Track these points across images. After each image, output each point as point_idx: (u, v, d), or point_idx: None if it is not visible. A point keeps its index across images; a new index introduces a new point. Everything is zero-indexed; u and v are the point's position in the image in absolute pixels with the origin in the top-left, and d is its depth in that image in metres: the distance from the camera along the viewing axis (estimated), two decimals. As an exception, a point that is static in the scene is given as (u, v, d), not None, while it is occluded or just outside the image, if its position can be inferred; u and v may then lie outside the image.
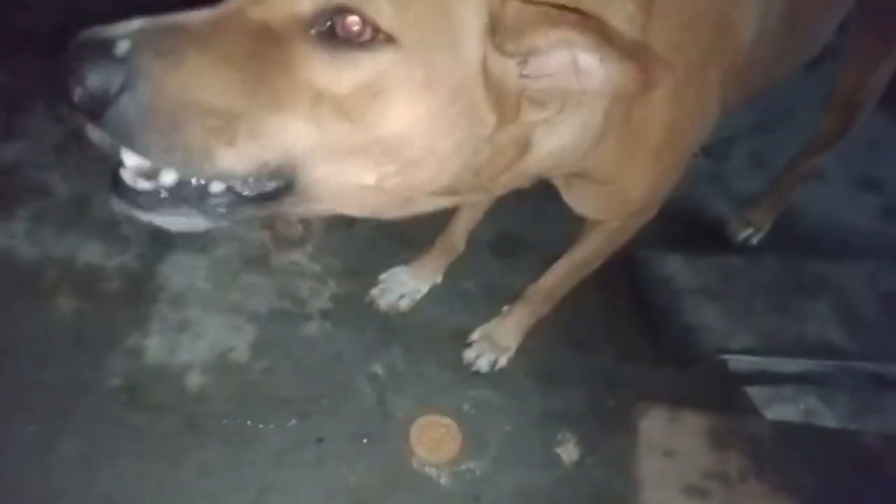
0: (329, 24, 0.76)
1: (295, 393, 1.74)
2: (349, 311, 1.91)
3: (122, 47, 0.71)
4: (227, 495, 1.58)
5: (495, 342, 1.84)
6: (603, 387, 1.85)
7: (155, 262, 1.91)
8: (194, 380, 1.73)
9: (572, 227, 1.54)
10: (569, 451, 1.73)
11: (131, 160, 0.80)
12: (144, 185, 0.80)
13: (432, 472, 1.67)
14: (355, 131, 0.79)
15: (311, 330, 1.87)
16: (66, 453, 1.57)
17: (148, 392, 1.69)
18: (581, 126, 0.99)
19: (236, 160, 0.77)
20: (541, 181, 1.26)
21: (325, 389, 1.76)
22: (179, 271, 1.91)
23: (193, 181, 0.80)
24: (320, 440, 1.68)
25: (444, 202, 1.04)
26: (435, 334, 1.90)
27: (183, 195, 0.81)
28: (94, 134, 0.76)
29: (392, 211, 0.98)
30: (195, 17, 0.77)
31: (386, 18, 0.76)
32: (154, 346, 1.76)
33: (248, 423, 1.68)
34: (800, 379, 1.68)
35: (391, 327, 1.90)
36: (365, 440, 1.70)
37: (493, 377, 1.84)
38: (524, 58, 0.82)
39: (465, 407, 1.78)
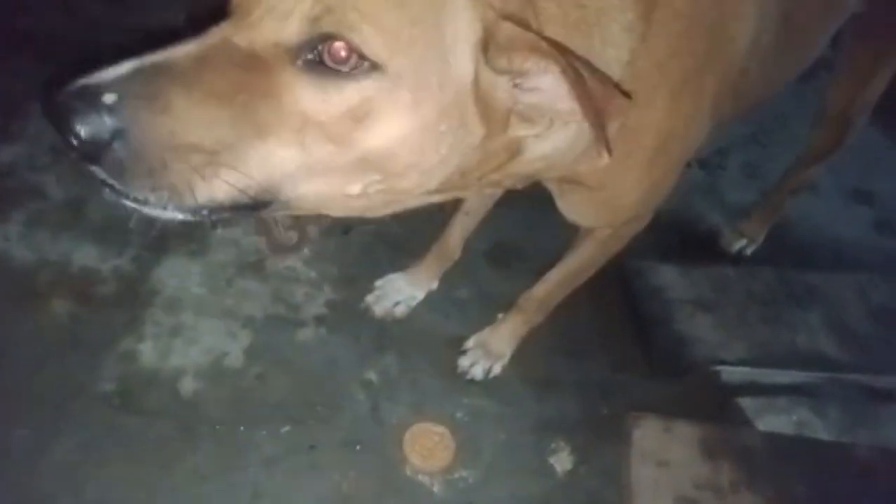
0: (316, 51, 0.77)
1: (288, 399, 1.74)
2: (344, 318, 1.91)
3: (110, 98, 0.73)
4: (219, 501, 1.57)
5: (490, 350, 1.85)
6: (596, 396, 1.86)
7: (150, 266, 1.91)
8: (188, 385, 1.72)
9: (567, 236, 1.55)
10: (562, 461, 1.73)
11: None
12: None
13: (425, 479, 1.67)
14: (340, 153, 0.81)
15: (305, 336, 1.87)
16: (58, 457, 1.56)
17: (141, 396, 1.69)
18: (575, 131, 0.99)
19: (217, 191, 0.79)
20: (534, 185, 1.27)
21: (319, 396, 1.76)
22: (174, 275, 1.90)
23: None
24: (313, 446, 1.68)
25: (433, 199, 1.05)
26: (430, 341, 1.90)
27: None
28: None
29: (378, 212, 0.99)
30: (181, 52, 0.78)
31: (371, 46, 0.76)
32: (148, 351, 1.76)
33: (242, 428, 1.67)
34: (792, 390, 1.69)
35: (386, 334, 1.90)
36: (358, 447, 1.69)
37: (488, 385, 1.84)
38: (514, 76, 0.84)
39: (459, 415, 1.78)
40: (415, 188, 0.90)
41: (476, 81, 0.83)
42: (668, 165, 1.24)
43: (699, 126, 1.23)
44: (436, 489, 1.66)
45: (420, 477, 1.67)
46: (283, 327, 1.87)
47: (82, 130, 0.73)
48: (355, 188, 0.85)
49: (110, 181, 0.77)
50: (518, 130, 0.90)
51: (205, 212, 0.82)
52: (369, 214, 0.99)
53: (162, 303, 1.85)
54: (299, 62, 0.78)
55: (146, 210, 0.82)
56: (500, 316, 1.87)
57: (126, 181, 0.77)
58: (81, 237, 1.93)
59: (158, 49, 0.78)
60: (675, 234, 2.23)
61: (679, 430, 1.47)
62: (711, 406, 1.69)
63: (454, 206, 1.83)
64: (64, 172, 2.05)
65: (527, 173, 1.08)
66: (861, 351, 1.90)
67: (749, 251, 2.26)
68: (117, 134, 0.73)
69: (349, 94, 0.78)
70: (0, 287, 1.82)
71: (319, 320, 1.90)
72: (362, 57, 0.77)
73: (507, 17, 0.82)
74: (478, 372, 1.84)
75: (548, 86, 0.83)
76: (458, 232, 1.86)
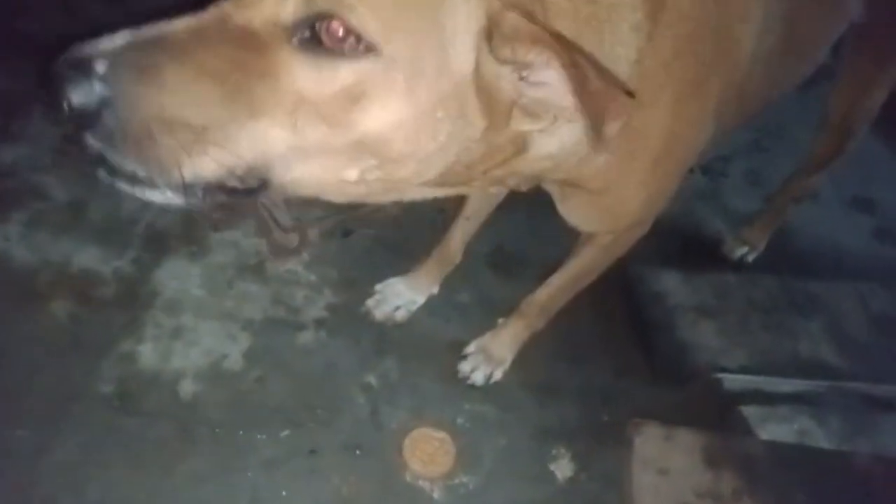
0: (312, 30, 0.77)
1: (288, 402, 1.73)
2: (344, 321, 1.91)
3: (101, 67, 0.74)
4: (218, 503, 1.56)
5: (490, 355, 1.84)
6: (598, 402, 1.86)
7: (150, 267, 1.90)
8: (187, 387, 1.72)
9: (568, 241, 1.55)
10: (563, 467, 1.73)
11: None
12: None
13: (425, 485, 1.66)
14: (334, 135, 0.80)
15: (305, 339, 1.86)
16: (58, 458, 1.55)
17: (140, 398, 1.68)
18: (581, 130, 0.98)
19: (205, 168, 0.78)
20: (536, 189, 1.27)
21: (319, 399, 1.75)
22: (175, 277, 1.90)
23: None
24: (313, 451, 1.67)
25: (436, 193, 1.05)
26: (430, 346, 1.90)
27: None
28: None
29: (377, 199, 0.99)
30: (178, 26, 0.78)
31: (368, 27, 0.76)
32: (147, 353, 1.75)
33: (241, 431, 1.67)
34: (793, 399, 1.69)
35: (386, 338, 1.89)
36: (358, 452, 1.69)
37: (488, 390, 1.83)
38: (518, 68, 0.82)
39: (460, 420, 1.78)
40: (413, 177, 0.89)
41: (478, 71, 0.82)
42: (671, 169, 1.24)
43: (703, 129, 1.23)
44: (436, 495, 1.65)
45: (420, 482, 1.67)
46: (283, 330, 1.86)
47: (73, 97, 0.73)
48: (352, 174, 0.85)
49: (101, 153, 0.77)
50: (521, 125, 0.89)
51: (198, 194, 0.82)
52: (370, 200, 0.99)
53: (162, 304, 1.84)
54: (295, 40, 0.78)
55: (137, 192, 0.82)
56: (500, 321, 1.87)
57: (114, 152, 0.77)
58: (82, 238, 1.93)
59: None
60: (678, 240, 2.23)
61: (680, 437, 1.47)
62: (713, 414, 1.69)
63: (455, 210, 1.83)
64: (65, 173, 2.04)
65: (532, 173, 1.07)
66: (862, 359, 1.90)
67: (751, 258, 2.27)
68: (106, 102, 0.74)
69: (344, 74, 0.78)
70: (0, 287, 1.81)
71: (319, 323, 1.89)
72: (359, 38, 0.77)
73: (514, 7, 0.81)
74: (479, 377, 1.84)
75: (552, 80, 0.82)
76: (459, 236, 1.86)
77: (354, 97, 0.78)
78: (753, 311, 1.98)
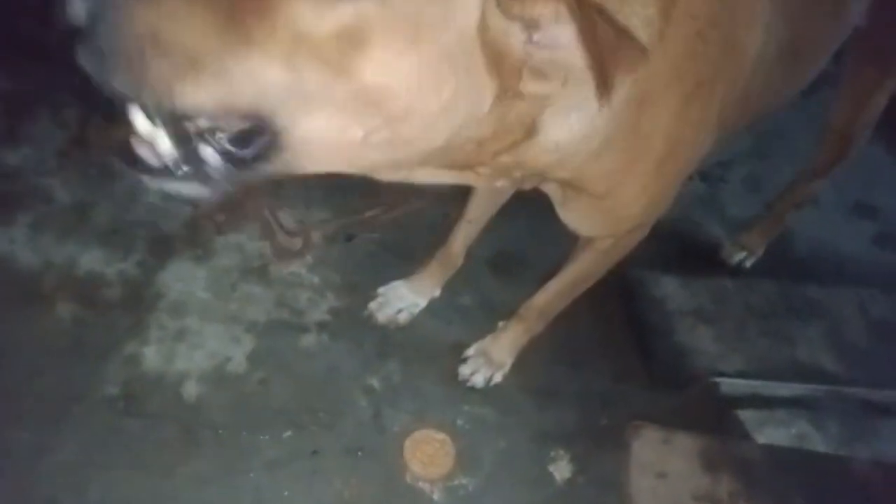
0: None
1: (291, 404, 1.75)
2: (347, 324, 1.92)
3: None
4: (220, 506, 1.58)
5: (491, 358, 1.86)
6: (597, 405, 1.87)
7: (155, 270, 1.92)
8: (191, 389, 1.73)
9: (568, 245, 1.56)
10: (561, 470, 1.74)
11: (142, 126, 0.82)
12: (150, 156, 0.83)
13: (426, 486, 1.68)
14: (336, 80, 0.77)
15: (308, 342, 1.88)
16: (59, 460, 1.57)
17: (144, 400, 1.69)
18: (590, 121, 0.99)
19: (203, 98, 0.76)
20: (537, 194, 1.28)
21: (321, 402, 1.77)
22: (179, 280, 1.92)
23: (186, 150, 0.82)
24: (315, 452, 1.68)
25: (445, 177, 1.04)
26: (432, 349, 1.91)
27: (182, 165, 0.83)
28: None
29: (386, 171, 0.97)
30: None
31: None
32: (151, 355, 1.77)
33: (244, 433, 1.68)
34: (791, 403, 1.70)
35: (389, 341, 1.91)
36: (360, 453, 1.70)
37: (488, 393, 1.85)
38: (528, 24, 0.80)
39: (460, 422, 1.79)
40: (420, 139, 0.87)
41: (484, 26, 0.80)
42: (673, 173, 1.24)
43: (707, 133, 1.23)
44: (436, 496, 1.67)
45: (420, 484, 1.68)
46: (287, 333, 1.88)
47: (68, 9, 0.73)
48: (357, 132, 0.82)
49: (90, 67, 0.76)
50: (530, 86, 0.86)
51: (218, 177, 0.82)
52: (378, 176, 0.97)
53: (166, 307, 1.86)
54: None
55: (165, 188, 0.83)
56: (501, 325, 1.88)
57: (106, 70, 0.75)
58: (87, 241, 1.94)
59: None
60: (676, 245, 2.24)
61: (678, 441, 1.48)
62: (711, 418, 1.70)
63: (457, 214, 1.84)
64: (70, 176, 2.06)
65: (537, 166, 1.06)
66: (860, 365, 1.91)
67: (749, 264, 2.27)
68: (98, 18, 0.73)
69: (343, 12, 0.75)
70: (5, 289, 1.83)
71: (322, 326, 1.91)
72: None
73: None
74: (479, 380, 1.85)
75: (562, 40, 0.79)
76: (461, 240, 1.87)
77: (355, 41, 0.76)
78: (751, 316, 1.99)
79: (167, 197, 0.85)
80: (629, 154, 1.11)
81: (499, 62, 0.83)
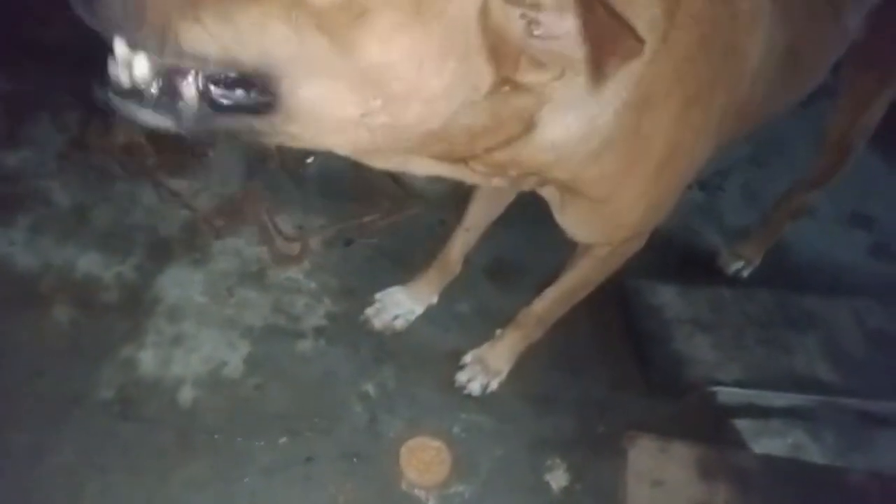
0: None
1: (286, 410, 1.75)
2: (343, 330, 1.92)
3: None
4: (215, 511, 1.57)
5: (487, 365, 1.85)
6: (594, 414, 1.87)
7: (153, 274, 1.92)
8: (187, 394, 1.73)
9: (566, 253, 1.56)
10: (558, 478, 1.74)
11: (120, 49, 0.81)
12: (124, 80, 0.82)
13: (421, 494, 1.67)
14: (336, 52, 0.77)
15: (304, 347, 1.87)
16: (56, 464, 1.56)
17: (140, 405, 1.69)
18: (588, 121, 0.98)
19: (203, 42, 0.76)
20: (535, 200, 1.28)
21: (317, 407, 1.76)
22: (176, 284, 1.91)
23: (161, 84, 0.82)
24: (310, 458, 1.68)
25: (440, 169, 1.04)
26: (428, 355, 1.91)
27: (157, 96, 0.83)
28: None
29: (380, 158, 0.96)
30: None
31: None
32: (148, 359, 1.77)
33: (239, 439, 1.68)
34: (788, 413, 1.70)
35: (385, 347, 1.91)
36: (355, 460, 1.70)
37: (485, 400, 1.85)
38: (529, 8, 0.80)
39: (456, 429, 1.79)
40: (418, 122, 0.87)
41: (486, 10, 0.80)
42: (673, 179, 1.24)
43: (706, 140, 1.23)
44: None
45: (416, 491, 1.67)
46: (283, 338, 1.88)
47: None
48: (355, 110, 0.82)
49: (86, 9, 0.77)
50: (527, 75, 0.86)
51: (191, 117, 0.82)
52: (370, 159, 0.96)
53: (164, 311, 1.86)
54: None
55: (134, 114, 0.82)
56: (498, 332, 1.88)
57: (101, 11, 0.76)
58: (86, 244, 1.94)
59: None
60: (674, 254, 2.24)
61: (675, 450, 1.48)
62: (708, 426, 1.70)
63: (455, 221, 1.85)
64: (70, 179, 2.07)
65: (534, 164, 1.06)
66: (856, 375, 1.92)
67: (746, 273, 2.28)
68: None
69: None
70: (3, 291, 1.82)
71: (319, 332, 1.91)
72: None
73: None
74: (475, 387, 1.85)
75: (563, 26, 0.79)
76: (458, 247, 1.87)
77: (356, 13, 0.76)
78: (749, 325, 1.99)
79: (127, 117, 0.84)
80: (629, 157, 1.11)
81: (498, 48, 0.83)
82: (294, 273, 2.02)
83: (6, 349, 1.72)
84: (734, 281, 2.25)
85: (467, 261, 1.93)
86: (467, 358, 1.88)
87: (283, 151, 2.20)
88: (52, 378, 1.69)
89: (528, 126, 0.95)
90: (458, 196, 1.84)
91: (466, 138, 0.93)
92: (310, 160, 2.24)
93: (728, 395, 1.75)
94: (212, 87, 0.83)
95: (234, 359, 1.81)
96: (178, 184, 2.12)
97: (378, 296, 1.96)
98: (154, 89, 0.83)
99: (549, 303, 1.68)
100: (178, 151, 2.16)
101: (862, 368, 1.94)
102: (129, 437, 1.63)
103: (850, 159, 1.99)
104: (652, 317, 2.00)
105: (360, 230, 2.14)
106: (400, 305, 1.95)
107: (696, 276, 2.21)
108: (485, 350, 1.87)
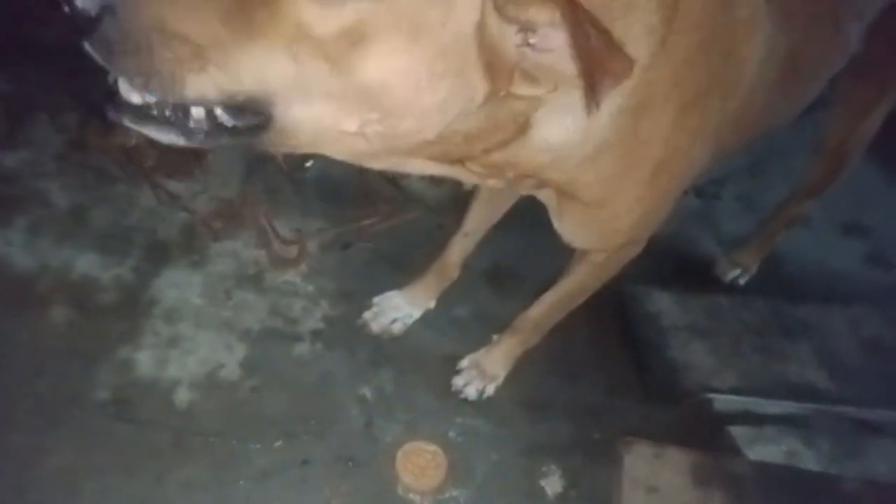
0: None
1: (282, 413, 1.75)
2: (341, 333, 1.92)
3: None
4: (210, 513, 1.57)
5: (484, 370, 1.86)
6: (590, 419, 1.87)
7: (150, 275, 1.92)
8: (183, 396, 1.73)
9: (564, 259, 1.57)
10: (553, 484, 1.74)
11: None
12: (135, 99, 0.84)
13: (416, 498, 1.67)
14: (335, 75, 0.79)
15: (301, 350, 1.87)
16: (51, 465, 1.56)
17: (136, 406, 1.69)
18: (584, 124, 0.99)
19: (206, 88, 0.78)
20: (533, 204, 1.28)
21: (313, 410, 1.77)
22: (174, 286, 1.92)
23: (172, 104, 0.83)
24: (306, 461, 1.68)
25: (436, 169, 1.04)
26: (425, 360, 1.91)
27: (166, 114, 0.84)
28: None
29: (376, 161, 0.98)
30: None
31: None
32: (145, 361, 1.77)
33: (235, 441, 1.68)
34: (783, 420, 1.70)
35: (382, 351, 1.91)
36: (350, 463, 1.70)
37: (481, 405, 1.85)
38: (523, 27, 0.81)
39: (452, 434, 1.79)
40: (413, 133, 0.88)
41: (482, 27, 0.82)
42: (669, 184, 1.24)
43: (703, 147, 1.24)
44: (426, 508, 1.67)
45: (411, 495, 1.67)
46: (280, 341, 1.88)
47: (77, 2, 0.74)
48: (352, 124, 0.84)
49: (100, 57, 0.77)
50: (521, 89, 0.88)
51: (201, 136, 0.83)
52: (367, 163, 0.98)
53: (161, 313, 1.86)
54: None
55: (144, 131, 0.83)
56: (495, 337, 1.88)
57: (113, 60, 0.77)
58: (83, 245, 1.94)
59: None
60: (671, 261, 2.25)
61: (670, 456, 1.48)
62: (703, 433, 1.71)
63: (454, 226, 1.85)
64: (68, 180, 2.07)
65: (530, 167, 1.06)
66: (851, 383, 1.92)
67: (742, 281, 2.28)
68: (107, 9, 0.74)
69: (346, 12, 0.77)
70: (0, 292, 1.82)
71: (316, 335, 1.91)
72: None
73: None
74: (471, 392, 1.85)
75: (556, 45, 0.80)
76: (457, 252, 1.88)
77: (356, 39, 0.78)
78: (745, 332, 2.00)
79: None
80: (625, 160, 1.11)
81: (492, 64, 0.84)
82: (292, 276, 2.02)
83: (3, 350, 1.72)
84: (731, 289, 2.26)
85: (465, 265, 1.93)
86: (464, 363, 1.89)
87: (281, 155, 2.21)
88: (49, 379, 1.68)
89: (524, 128, 0.96)
90: (457, 200, 1.85)
91: (462, 141, 0.94)
92: (308, 164, 2.25)
93: (724, 402, 1.75)
94: (221, 113, 0.85)
95: (231, 361, 1.81)
96: (176, 186, 2.13)
97: (376, 300, 1.97)
98: (164, 107, 0.84)
99: (546, 308, 1.68)
100: (176, 154, 2.16)
101: (857, 376, 1.94)
102: (125, 439, 1.63)
103: (846, 168, 2.00)
104: (649, 323, 2.01)
105: (359, 234, 2.15)
106: (397, 309, 1.95)
107: (692, 284, 2.21)
108: (482, 355, 1.87)
